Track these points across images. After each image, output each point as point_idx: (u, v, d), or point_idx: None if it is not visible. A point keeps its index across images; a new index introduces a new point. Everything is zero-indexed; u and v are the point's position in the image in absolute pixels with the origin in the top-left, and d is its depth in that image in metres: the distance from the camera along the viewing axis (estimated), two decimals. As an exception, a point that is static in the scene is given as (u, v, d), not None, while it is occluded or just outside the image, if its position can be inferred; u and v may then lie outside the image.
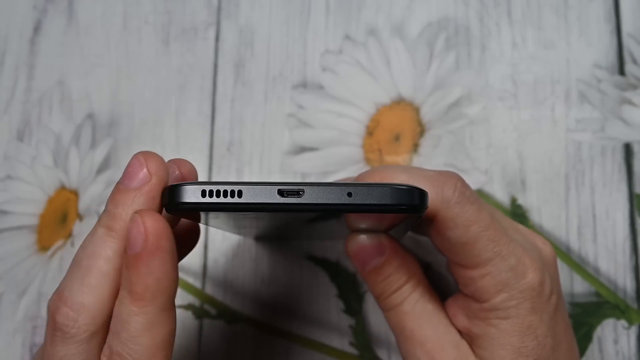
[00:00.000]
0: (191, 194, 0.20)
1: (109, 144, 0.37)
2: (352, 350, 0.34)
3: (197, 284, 0.35)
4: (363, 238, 0.27)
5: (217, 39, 0.38)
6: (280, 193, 0.20)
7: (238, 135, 0.37)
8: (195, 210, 0.21)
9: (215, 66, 0.38)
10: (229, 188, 0.20)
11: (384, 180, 0.25)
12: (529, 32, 0.37)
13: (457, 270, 0.26)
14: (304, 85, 0.37)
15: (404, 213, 0.20)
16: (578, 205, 0.35)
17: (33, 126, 0.38)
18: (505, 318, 0.25)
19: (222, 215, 0.22)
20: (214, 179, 0.36)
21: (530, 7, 0.37)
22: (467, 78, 0.36)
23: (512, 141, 0.36)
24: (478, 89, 0.36)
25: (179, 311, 0.35)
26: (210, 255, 0.36)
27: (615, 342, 0.33)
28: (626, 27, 0.37)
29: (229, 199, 0.20)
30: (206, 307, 0.35)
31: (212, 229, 0.36)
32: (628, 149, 0.35)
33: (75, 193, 0.37)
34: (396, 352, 0.34)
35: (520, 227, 0.28)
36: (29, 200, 0.37)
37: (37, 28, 0.39)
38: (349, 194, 0.20)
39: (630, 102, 0.36)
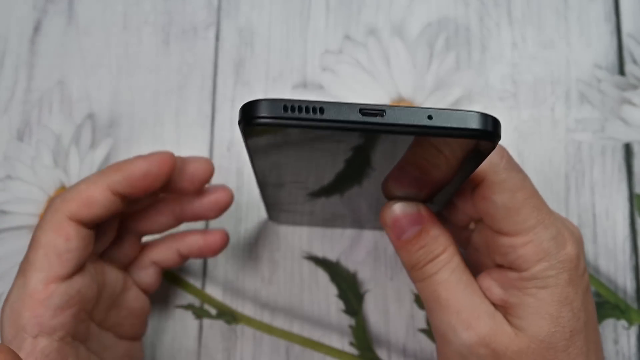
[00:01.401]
0: (274, 109, 0.19)
1: (109, 144, 0.37)
2: (352, 350, 0.34)
3: (197, 284, 0.35)
4: (400, 206, 0.27)
5: (217, 39, 0.38)
6: (362, 112, 0.20)
7: (238, 135, 0.37)
8: (274, 126, 0.20)
9: (215, 66, 0.38)
10: (310, 105, 0.19)
11: None
12: (529, 32, 0.37)
13: (497, 239, 0.26)
14: (304, 85, 0.37)
15: (480, 139, 0.20)
16: (578, 205, 0.35)
17: (33, 126, 0.38)
18: (543, 287, 0.25)
19: (289, 148, 0.22)
20: (213, 184, 0.36)
21: (530, 7, 0.37)
22: (467, 78, 0.36)
23: (512, 141, 0.36)
24: (478, 89, 0.36)
25: (179, 311, 0.35)
26: (210, 255, 0.36)
27: (615, 342, 0.33)
28: (626, 27, 0.37)
29: (311, 115, 0.19)
30: (206, 307, 0.35)
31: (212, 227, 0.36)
32: (628, 149, 0.35)
33: (75, 193, 0.37)
34: (396, 352, 0.34)
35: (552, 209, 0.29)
36: (29, 200, 0.37)
37: (37, 28, 0.39)
38: (430, 117, 0.20)
39: (630, 102, 0.36)
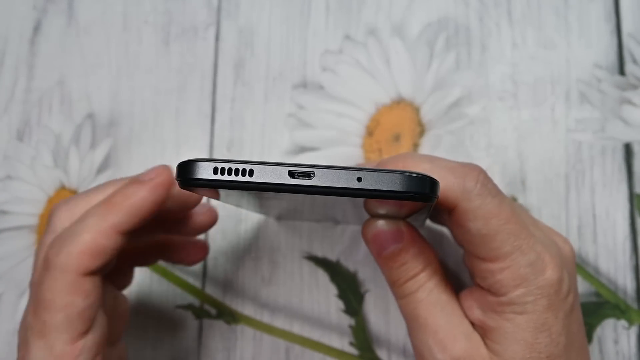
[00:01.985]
0: (203, 171, 0.20)
1: (109, 144, 0.37)
2: (352, 350, 0.34)
3: (197, 284, 0.35)
4: (381, 223, 0.27)
5: (217, 39, 0.38)
6: (291, 174, 0.20)
7: (238, 135, 0.37)
8: (206, 187, 0.21)
9: (215, 66, 0.38)
10: (240, 166, 0.20)
11: (406, 168, 0.25)
12: (529, 32, 0.37)
13: (475, 263, 0.26)
14: (304, 85, 0.37)
15: (413, 201, 0.20)
16: (578, 205, 0.35)
17: (33, 126, 0.38)
18: (521, 313, 0.25)
19: (235, 193, 0.23)
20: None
21: (530, 7, 0.37)
22: (467, 78, 0.36)
23: (512, 141, 0.36)
24: (478, 89, 0.36)
25: (179, 311, 0.35)
26: (210, 255, 0.36)
27: (616, 342, 0.33)
28: (626, 27, 0.37)
29: (240, 177, 0.20)
30: (206, 307, 0.35)
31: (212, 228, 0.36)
32: (628, 149, 0.35)
33: (75, 193, 0.37)
34: (396, 352, 0.34)
35: (541, 224, 0.28)
36: (29, 200, 0.37)
37: (37, 28, 0.39)
38: (359, 179, 0.20)
39: (630, 102, 0.36)
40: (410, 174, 0.20)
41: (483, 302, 0.26)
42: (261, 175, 0.20)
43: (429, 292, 0.26)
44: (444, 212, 0.26)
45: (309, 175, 0.20)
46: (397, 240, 0.26)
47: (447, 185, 0.24)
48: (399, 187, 0.20)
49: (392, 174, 0.20)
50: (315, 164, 0.21)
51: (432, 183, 0.20)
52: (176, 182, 0.23)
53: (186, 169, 0.21)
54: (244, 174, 0.20)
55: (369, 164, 0.29)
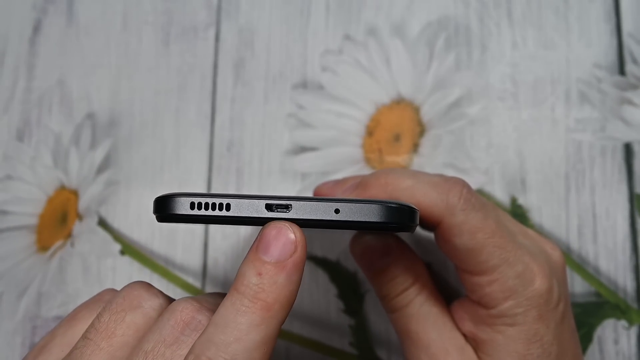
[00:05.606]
0: (180, 206, 0.21)
1: (108, 144, 0.37)
2: (352, 350, 0.34)
3: (197, 284, 0.35)
4: (369, 238, 0.26)
5: (217, 39, 0.38)
6: (268, 207, 0.20)
7: (238, 135, 0.37)
8: (184, 222, 0.21)
9: (215, 66, 0.38)
10: (217, 201, 0.20)
11: (388, 185, 0.25)
12: (529, 32, 0.37)
13: (464, 276, 0.26)
14: (304, 85, 0.37)
15: (391, 231, 0.20)
16: (578, 205, 0.35)
17: (33, 126, 0.38)
18: (511, 325, 0.25)
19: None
20: (213, 184, 0.36)
21: (531, 7, 0.37)
22: (467, 78, 0.36)
23: (512, 141, 0.36)
24: (478, 89, 0.36)
25: (178, 311, 0.35)
26: (210, 255, 0.36)
27: (616, 342, 0.33)
28: (626, 27, 0.37)
29: (217, 212, 0.20)
30: (206, 307, 0.35)
31: (212, 228, 0.36)
32: (628, 149, 0.35)
33: (75, 193, 0.37)
34: (396, 352, 0.34)
35: (530, 231, 0.28)
36: (29, 200, 0.37)
37: (36, 28, 0.39)
38: (337, 211, 0.20)
39: (630, 102, 0.36)
40: (389, 204, 0.20)
41: (474, 314, 0.26)
42: (238, 210, 0.20)
43: (419, 306, 0.26)
44: (430, 227, 0.26)
45: (286, 208, 0.20)
46: (386, 254, 0.26)
47: (431, 201, 0.24)
48: (377, 217, 0.20)
49: (369, 205, 0.20)
50: (292, 195, 0.21)
51: (411, 212, 0.20)
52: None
53: (163, 204, 0.21)
54: (220, 209, 0.20)
55: (352, 182, 0.28)
